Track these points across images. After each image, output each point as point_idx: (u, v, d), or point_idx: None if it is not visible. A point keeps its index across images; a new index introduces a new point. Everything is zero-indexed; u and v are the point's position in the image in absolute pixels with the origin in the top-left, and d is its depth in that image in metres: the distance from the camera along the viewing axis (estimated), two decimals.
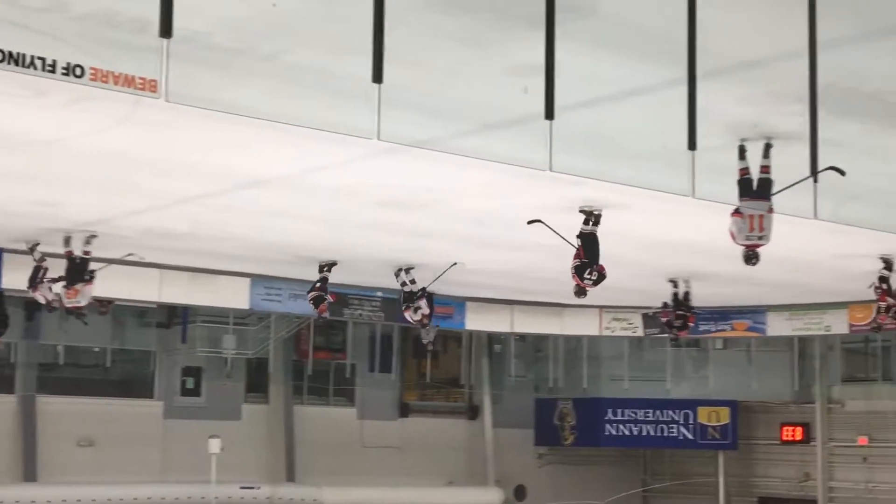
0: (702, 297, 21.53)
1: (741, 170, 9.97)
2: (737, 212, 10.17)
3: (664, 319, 20.35)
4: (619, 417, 27.45)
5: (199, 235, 15.46)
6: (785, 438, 27.41)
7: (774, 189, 9.78)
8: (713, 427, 27.21)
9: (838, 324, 22.12)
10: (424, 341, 22.41)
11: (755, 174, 9.92)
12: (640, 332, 23.73)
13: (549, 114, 6.69)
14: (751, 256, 10.57)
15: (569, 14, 7.04)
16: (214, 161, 10.92)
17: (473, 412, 27.78)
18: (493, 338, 27.37)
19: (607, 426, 27.51)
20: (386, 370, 26.78)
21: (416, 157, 10.10)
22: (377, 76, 6.03)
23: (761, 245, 10.33)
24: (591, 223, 12.25)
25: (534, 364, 28.95)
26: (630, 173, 9.82)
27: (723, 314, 23.17)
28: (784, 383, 27.20)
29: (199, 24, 7.22)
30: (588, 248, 12.34)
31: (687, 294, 19.63)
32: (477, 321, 23.01)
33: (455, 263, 16.57)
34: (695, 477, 28.48)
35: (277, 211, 13.74)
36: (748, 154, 9.84)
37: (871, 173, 10.64)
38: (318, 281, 17.84)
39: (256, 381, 25.41)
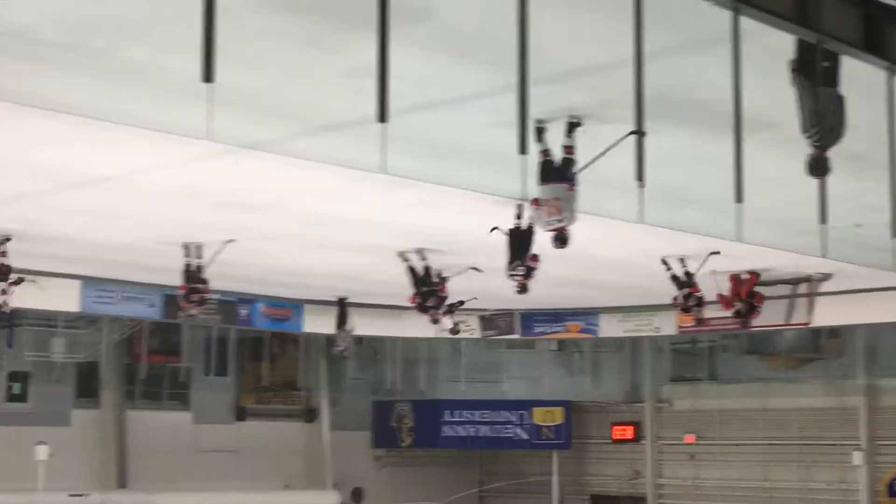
0: (536, 299, 21.93)
1: (541, 152, 9.65)
2: (535, 201, 9.83)
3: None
4: (456, 419, 27.70)
5: (27, 236, 15.01)
6: (616, 437, 28.11)
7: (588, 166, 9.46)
8: (547, 427, 27.70)
9: (667, 325, 22.76)
10: (340, 348, 22.24)
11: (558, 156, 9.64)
12: (477, 335, 24.01)
13: (383, 116, 6.71)
14: (556, 239, 10.06)
15: (404, 17, 7.08)
16: (41, 159, 10.63)
17: (311, 415, 27.64)
18: (331, 340, 27.26)
19: (444, 427, 27.73)
20: (222, 373, 26.42)
21: (251, 159, 10.04)
22: (208, 75, 5.96)
23: (564, 226, 9.87)
24: (518, 217, 11.74)
25: (372, 366, 28.97)
26: (463, 176, 9.92)
27: (557, 316, 23.61)
28: (616, 384, 27.90)
29: (26, 18, 7.01)
30: (513, 243, 11.91)
31: None
32: (315, 323, 22.90)
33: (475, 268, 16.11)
34: (530, 476, 28.93)
35: (110, 211, 13.45)
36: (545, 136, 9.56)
37: (701, 179, 10.99)
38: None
39: (87, 386, 24.75)
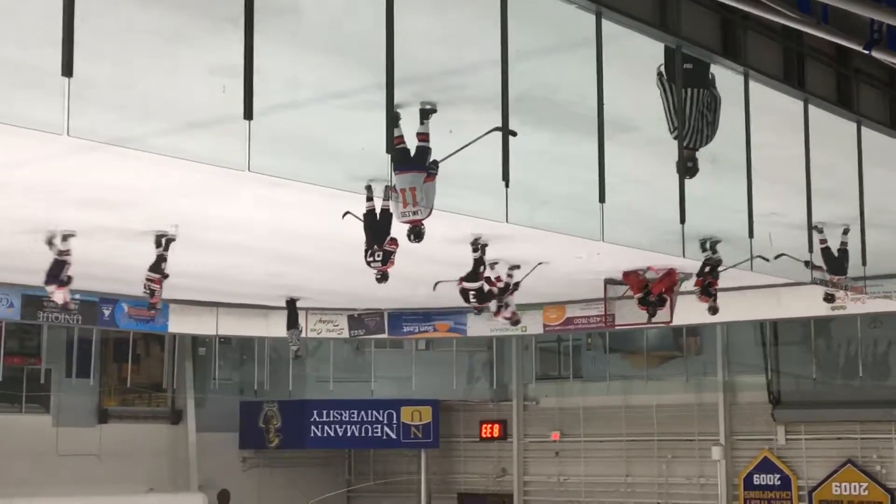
0: (403, 298, 22.03)
1: (396, 138, 9.14)
2: (392, 188, 9.55)
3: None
4: (324, 419, 27.59)
5: None
6: (484, 436, 28.35)
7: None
8: (416, 426, 27.79)
9: (534, 324, 23.08)
10: (294, 348, 21.86)
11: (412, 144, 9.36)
12: (345, 334, 23.98)
13: (248, 114, 6.66)
14: (411, 233, 9.83)
15: (271, 14, 7.04)
16: None
17: (176, 417, 27.22)
18: (197, 340, 26.92)
19: (313, 428, 27.59)
20: (84, 375, 25.82)
21: (113, 155, 9.86)
22: (67, 70, 5.83)
23: (421, 219, 9.60)
24: (371, 199, 11.06)
25: (239, 367, 28.68)
26: (330, 175, 9.88)
27: (426, 315, 23.74)
28: (483, 382, 28.15)
29: None
30: (368, 227, 11.26)
31: None
32: (181, 323, 22.58)
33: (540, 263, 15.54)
34: (398, 475, 29.02)
35: None
36: (403, 123, 9.20)
37: (561, 180, 11.17)
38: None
39: None
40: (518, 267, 17.59)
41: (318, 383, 27.80)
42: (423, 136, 9.37)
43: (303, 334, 22.40)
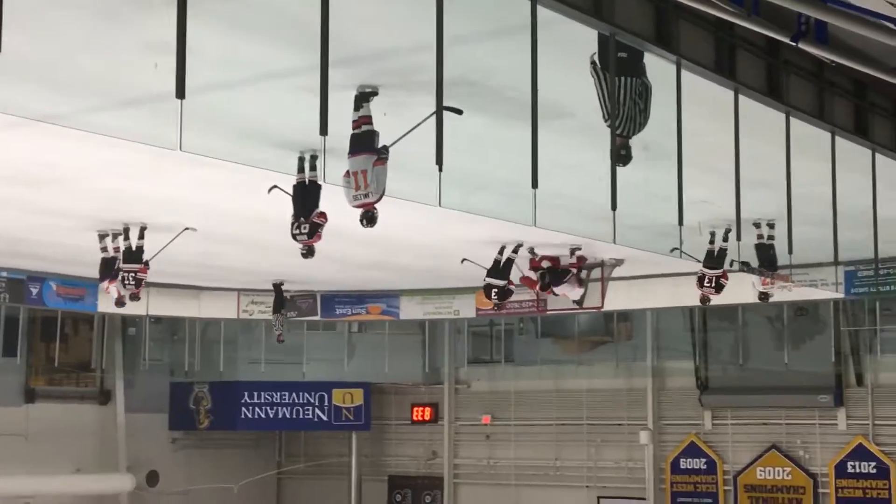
0: (338, 280, 22.02)
1: (353, 122, 9.20)
2: (346, 173, 9.41)
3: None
4: (255, 401, 27.47)
5: None
6: (415, 419, 28.42)
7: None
8: (347, 409, 27.79)
9: (466, 308, 23.16)
10: (278, 332, 21.68)
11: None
12: None
13: (181, 93, 6.60)
14: (364, 218, 9.55)
15: None
16: None
17: (105, 397, 26.94)
18: (126, 320, 26.64)
19: (243, 409, 27.46)
20: (11, 354, 25.45)
21: (41, 133, 9.72)
22: None
23: (371, 202, 9.37)
24: (305, 170, 10.72)
25: (170, 347, 28.46)
26: (263, 156, 9.84)
27: (359, 298, 23.73)
28: (415, 365, 28.18)
29: None
30: (296, 199, 10.91)
31: None
32: (110, 303, 22.19)
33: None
34: (329, 458, 29.01)
35: None
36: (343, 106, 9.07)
37: (495, 165, 11.22)
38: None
39: None
40: (579, 248, 17.13)
41: (249, 365, 27.67)
42: (366, 119, 9.29)
43: (252, 316, 22.34)
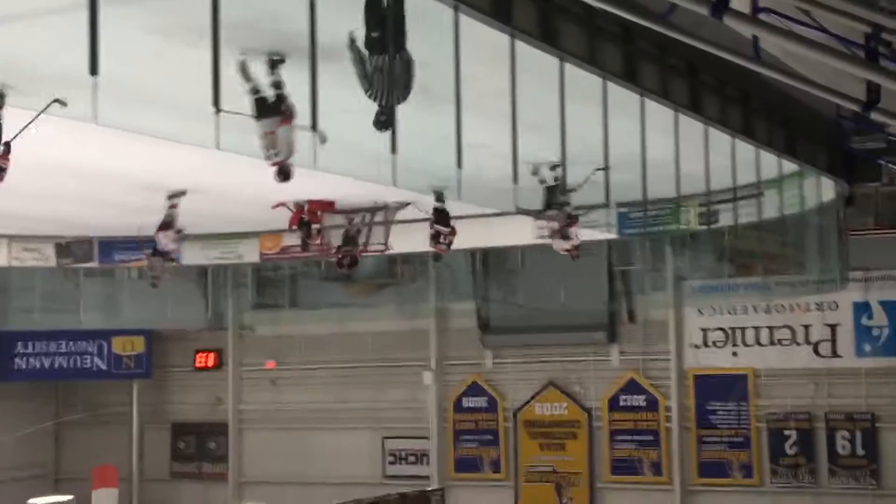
0: (116, 227, 21.39)
1: (252, 88, 9.88)
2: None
3: None
4: (29, 350, 26.59)
5: None
6: (198, 365, 28.10)
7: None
8: (128, 356, 27.21)
9: (250, 253, 22.91)
10: (154, 275, 20.28)
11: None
12: (52, 263, 23.05)
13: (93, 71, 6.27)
14: (279, 173, 10.31)
15: None
16: None
17: None
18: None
19: (17, 360, 26.55)
20: None
21: None
22: None
23: (282, 160, 10.15)
24: None
25: None
26: (34, 99, 9.48)
27: (137, 244, 23.10)
28: (198, 311, 27.74)
29: None
30: None
31: None
32: None
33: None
34: (110, 407, 28.38)
35: None
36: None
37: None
38: None
39: None
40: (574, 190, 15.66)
41: (22, 314, 26.68)
42: (276, 84, 9.98)
43: (24, 264, 21.40)
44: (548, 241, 16.52)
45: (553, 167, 14.52)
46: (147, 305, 27.18)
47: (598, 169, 12.98)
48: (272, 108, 10.00)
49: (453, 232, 16.94)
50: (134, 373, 27.42)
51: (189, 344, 28.28)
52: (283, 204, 18.36)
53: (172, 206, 17.05)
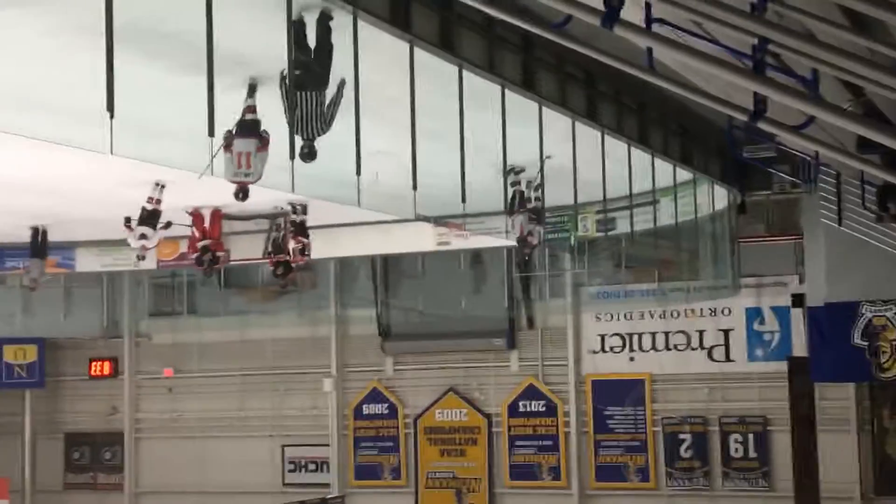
0: (9, 232, 20.94)
1: (244, 110, 10.48)
2: (227, 148, 10.44)
3: None
4: None
5: None
6: (93, 374, 27.62)
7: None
8: (19, 366, 26.63)
9: (147, 259, 22.45)
10: (32, 276, 19.58)
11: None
12: None
13: None
14: (238, 192, 10.88)
15: None
16: None
17: None
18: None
19: None
20: None
21: None
22: None
23: (249, 181, 10.74)
24: None
25: None
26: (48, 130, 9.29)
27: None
28: (93, 319, 27.24)
29: None
30: None
31: None
32: None
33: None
34: (1, 417, 27.75)
35: None
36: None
37: (176, 113, 10.97)
38: None
39: None
40: (541, 185, 15.32)
41: None
42: (252, 109, 10.61)
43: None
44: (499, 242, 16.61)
45: (518, 171, 14.72)
46: (41, 313, 26.64)
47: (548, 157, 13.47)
48: (251, 130, 10.55)
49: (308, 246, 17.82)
50: (26, 382, 26.84)
51: (84, 352, 27.78)
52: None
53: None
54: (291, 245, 18.06)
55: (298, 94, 9.49)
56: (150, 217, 16.87)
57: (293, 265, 18.60)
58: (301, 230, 18.12)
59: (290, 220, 18.48)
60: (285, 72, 9.43)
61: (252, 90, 10.59)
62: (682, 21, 6.32)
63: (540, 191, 15.08)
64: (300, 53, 9.30)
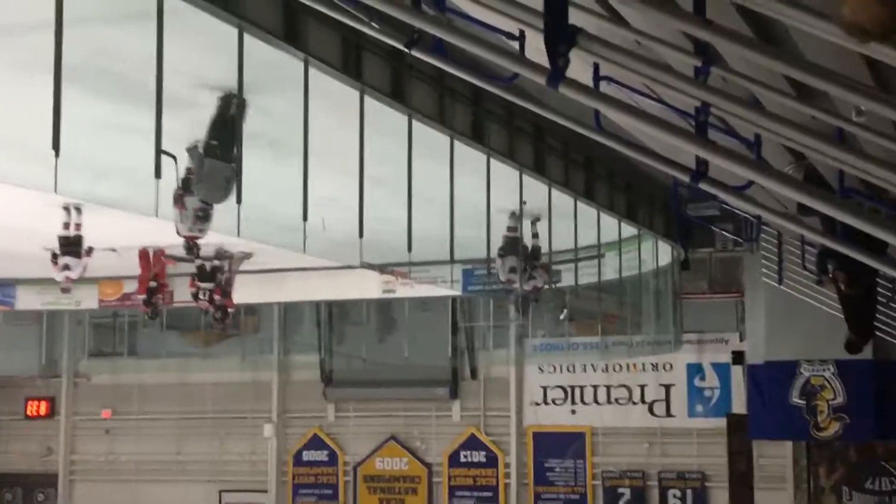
0: None
1: (188, 169, 10.38)
2: (179, 203, 10.56)
3: None
4: None
5: None
6: (30, 413, 27.20)
7: None
8: None
9: (88, 299, 22.39)
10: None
11: None
12: None
13: None
14: (191, 248, 11.21)
15: None
16: None
17: None
18: None
19: None
20: None
21: None
22: None
23: (201, 237, 11.06)
24: None
25: None
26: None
27: None
28: (31, 357, 26.92)
29: None
30: None
31: None
32: None
33: None
34: None
35: None
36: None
37: (122, 151, 10.92)
38: None
39: None
40: (539, 219, 15.75)
41: None
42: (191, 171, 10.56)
43: None
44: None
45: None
46: None
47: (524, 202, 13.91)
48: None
49: (217, 290, 17.79)
50: None
51: (20, 391, 27.37)
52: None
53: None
54: (192, 290, 17.95)
55: (208, 160, 9.96)
56: (71, 244, 15.66)
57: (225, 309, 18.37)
58: (203, 275, 17.91)
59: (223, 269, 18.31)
60: (197, 142, 9.94)
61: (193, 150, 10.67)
62: (629, 80, 6.41)
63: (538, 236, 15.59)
64: (216, 125, 9.82)
